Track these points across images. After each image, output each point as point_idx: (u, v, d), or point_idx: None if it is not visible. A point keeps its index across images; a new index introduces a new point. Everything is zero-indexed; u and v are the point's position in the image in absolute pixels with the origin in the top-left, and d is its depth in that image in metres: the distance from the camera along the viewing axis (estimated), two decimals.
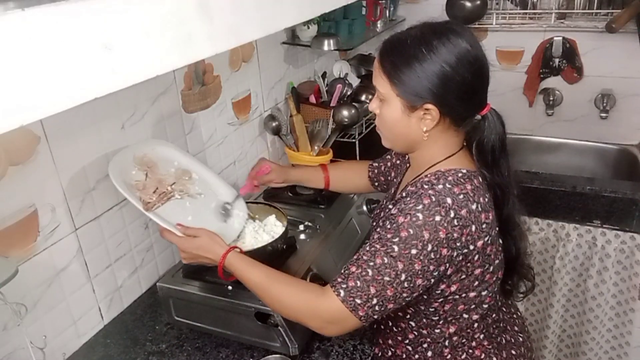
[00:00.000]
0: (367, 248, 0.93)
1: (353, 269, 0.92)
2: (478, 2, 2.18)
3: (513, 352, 1.09)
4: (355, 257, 0.94)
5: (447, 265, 0.91)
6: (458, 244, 0.90)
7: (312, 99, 1.99)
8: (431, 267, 0.89)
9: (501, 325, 1.10)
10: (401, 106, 0.94)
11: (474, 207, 0.91)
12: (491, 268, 0.97)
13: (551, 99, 2.30)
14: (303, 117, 1.91)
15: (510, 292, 1.12)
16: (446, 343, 1.03)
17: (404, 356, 1.08)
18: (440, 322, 1.02)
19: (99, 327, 1.28)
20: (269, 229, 1.27)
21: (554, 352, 2.02)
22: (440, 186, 0.92)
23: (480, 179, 0.97)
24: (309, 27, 1.90)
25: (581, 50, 2.18)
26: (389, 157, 1.32)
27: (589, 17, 2.12)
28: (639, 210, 1.75)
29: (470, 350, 1.04)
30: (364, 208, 1.54)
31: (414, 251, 0.88)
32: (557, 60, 2.25)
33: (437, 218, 0.88)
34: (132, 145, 1.22)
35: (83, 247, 1.19)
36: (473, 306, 1.00)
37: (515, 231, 1.03)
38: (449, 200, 0.89)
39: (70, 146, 1.13)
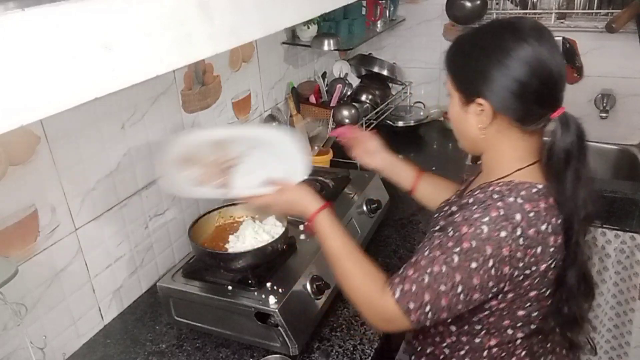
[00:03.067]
0: (427, 252, 0.90)
1: (410, 272, 0.90)
2: (478, 2, 2.18)
3: None
4: (413, 258, 0.92)
5: (507, 283, 0.87)
6: (521, 265, 0.85)
7: (312, 99, 1.99)
8: (490, 284, 0.86)
9: (548, 345, 1.02)
10: (459, 101, 0.95)
11: (543, 227, 0.86)
12: (547, 292, 0.92)
13: None
14: (303, 117, 1.91)
15: (575, 347, 1.02)
16: (484, 354, 0.99)
17: (441, 357, 1.04)
18: (482, 333, 0.97)
19: (99, 327, 1.28)
20: (269, 229, 1.27)
21: None
22: (511, 199, 0.87)
23: (555, 200, 0.89)
24: (309, 27, 1.90)
25: (581, 50, 2.18)
26: None
27: (589, 17, 2.12)
28: (639, 210, 1.75)
29: None
30: (364, 208, 1.54)
31: (474, 265, 0.85)
32: None
33: (503, 234, 0.84)
34: (159, 159, 1.15)
35: (83, 247, 1.19)
36: (520, 324, 0.95)
37: (577, 251, 0.90)
38: (517, 217, 0.85)
39: (70, 146, 1.13)
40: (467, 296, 0.87)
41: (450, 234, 0.88)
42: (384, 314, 0.92)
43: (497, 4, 2.25)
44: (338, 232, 1.01)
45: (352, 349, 1.16)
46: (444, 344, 1.03)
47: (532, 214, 0.86)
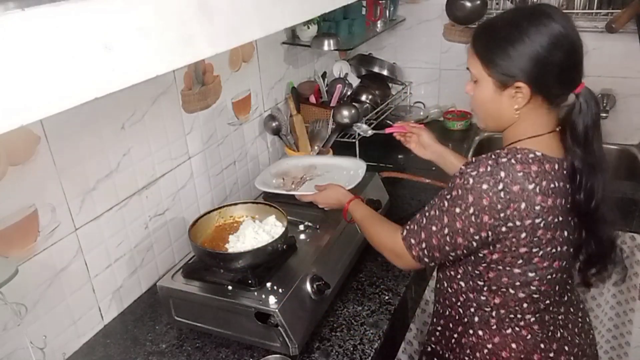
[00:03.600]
0: (432, 200, 1.05)
1: (417, 215, 1.07)
2: (478, 2, 2.18)
3: (567, 348, 1.09)
4: (424, 205, 1.07)
5: (489, 232, 0.96)
6: (502, 215, 0.93)
7: (312, 99, 1.99)
8: (471, 230, 0.96)
9: (560, 318, 1.10)
10: (492, 85, 0.98)
11: (530, 187, 0.93)
12: (540, 252, 0.98)
13: None
14: (303, 117, 1.91)
15: (589, 284, 1.10)
16: (493, 314, 1.07)
17: (457, 317, 1.13)
18: (485, 289, 1.05)
19: (99, 327, 1.28)
20: (269, 229, 1.27)
21: None
22: (504, 160, 0.95)
23: (556, 168, 0.96)
24: (309, 27, 1.90)
25: None
26: None
27: (589, 17, 2.12)
28: (639, 210, 1.75)
29: (517, 328, 1.06)
30: None
31: (457, 210, 0.97)
32: None
33: (484, 187, 0.93)
34: (266, 168, 1.71)
35: (83, 247, 1.19)
36: (518, 283, 1.01)
37: (601, 223, 1.00)
38: (502, 174, 0.93)
39: (70, 146, 1.13)
40: (452, 239, 0.99)
41: (450, 184, 1.00)
42: (395, 250, 1.10)
43: (497, 4, 2.25)
44: (365, 211, 1.26)
45: (352, 349, 1.16)
46: (458, 303, 1.12)
47: (520, 174, 0.93)
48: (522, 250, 0.97)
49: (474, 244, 0.98)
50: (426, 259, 1.05)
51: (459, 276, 1.10)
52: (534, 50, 0.92)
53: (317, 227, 1.39)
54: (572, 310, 1.13)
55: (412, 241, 1.06)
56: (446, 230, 1.00)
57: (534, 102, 0.97)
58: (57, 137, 1.09)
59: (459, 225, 0.97)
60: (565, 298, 1.11)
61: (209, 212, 1.32)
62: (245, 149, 1.75)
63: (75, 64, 0.50)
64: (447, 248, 1.01)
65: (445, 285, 1.15)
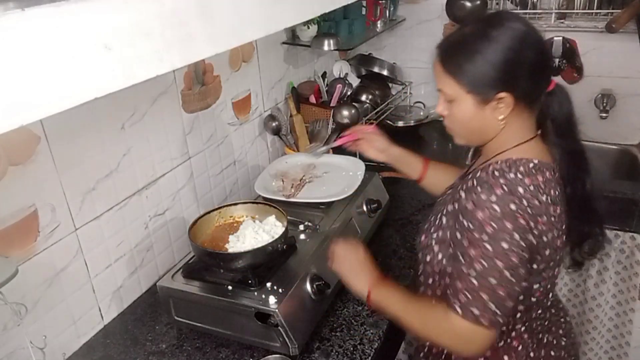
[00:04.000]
0: (461, 257, 0.92)
1: (458, 284, 0.92)
2: (478, 2, 2.18)
3: (552, 353, 1.08)
4: (454, 271, 0.94)
5: (533, 252, 0.92)
6: (537, 232, 0.91)
7: (312, 99, 1.99)
8: (526, 255, 0.90)
9: (546, 324, 1.09)
10: (473, 102, 0.95)
11: (543, 198, 0.92)
12: (551, 264, 0.97)
13: None
14: (303, 117, 1.91)
15: (582, 263, 1.10)
16: None
17: None
18: None
19: (99, 327, 1.28)
20: (269, 229, 1.27)
21: None
22: (512, 175, 0.92)
23: (551, 172, 0.96)
24: (309, 27, 1.90)
25: (581, 50, 2.18)
26: None
27: (589, 17, 2.12)
28: (639, 210, 1.75)
29: (509, 340, 1.04)
30: (364, 208, 1.54)
31: (505, 245, 0.88)
32: (557, 60, 2.24)
33: (513, 207, 0.88)
34: (266, 168, 1.68)
35: (83, 247, 1.19)
36: (521, 297, 0.98)
37: (590, 212, 1.02)
38: (520, 190, 0.90)
39: (70, 146, 1.13)
40: (516, 274, 0.89)
41: (471, 226, 0.91)
42: (462, 336, 0.93)
43: (497, 4, 2.25)
44: (391, 298, 1.05)
45: (352, 349, 1.16)
46: None
47: (532, 187, 0.91)
48: (542, 266, 0.95)
49: (527, 267, 0.92)
50: (501, 319, 0.91)
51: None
52: (507, 55, 0.90)
53: (317, 227, 1.39)
54: (553, 311, 1.12)
55: (476, 312, 0.90)
56: (507, 273, 0.88)
57: (516, 108, 0.95)
58: (57, 137, 1.09)
59: (516, 260, 0.88)
60: (550, 300, 1.09)
61: (209, 212, 1.32)
62: (245, 149, 1.75)
63: (75, 64, 0.50)
64: (516, 288, 0.90)
65: (437, 296, 1.08)
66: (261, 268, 1.20)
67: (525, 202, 0.89)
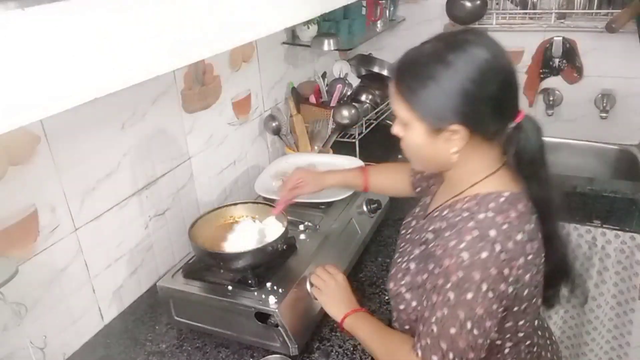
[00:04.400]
0: (426, 302, 0.87)
1: (421, 327, 0.88)
2: (478, 2, 2.18)
3: None
4: (421, 314, 0.90)
5: (508, 299, 0.86)
6: (511, 279, 0.84)
7: (312, 99, 1.99)
8: (494, 307, 0.83)
9: (534, 350, 1.03)
10: (425, 130, 0.87)
11: (519, 237, 0.84)
12: (534, 300, 0.93)
13: (551, 99, 2.30)
14: (303, 117, 1.91)
15: (552, 304, 1.05)
16: None
17: None
18: None
19: (99, 327, 1.28)
20: (269, 229, 1.27)
21: None
22: (482, 216, 0.85)
23: (525, 202, 0.89)
24: (309, 27, 1.90)
25: (581, 50, 2.18)
26: None
27: (589, 17, 2.12)
28: (639, 210, 1.75)
29: None
30: (364, 208, 1.54)
31: (469, 295, 0.82)
32: (557, 60, 2.24)
33: (484, 255, 0.81)
34: (266, 168, 1.69)
35: (83, 247, 1.19)
36: (508, 335, 0.95)
37: (557, 245, 0.96)
38: (492, 233, 0.83)
39: (70, 146, 1.13)
40: (480, 328, 0.83)
41: (437, 271, 0.86)
42: None
43: (497, 4, 2.25)
44: (361, 331, 1.04)
45: (352, 349, 1.16)
46: None
47: (505, 226, 0.84)
48: (523, 306, 0.91)
49: (499, 317, 0.87)
50: None
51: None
52: (464, 86, 0.82)
53: (317, 227, 1.39)
54: (540, 333, 1.07)
55: (435, 358, 0.85)
56: (469, 325, 0.82)
57: (472, 141, 0.87)
58: (57, 137, 1.09)
59: (480, 311, 0.82)
60: (536, 324, 1.04)
61: (209, 212, 1.32)
62: (245, 149, 1.75)
63: (75, 64, 0.50)
64: (479, 341, 0.84)
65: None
66: (261, 268, 1.20)
67: (498, 248, 0.82)
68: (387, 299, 1.31)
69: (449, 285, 0.83)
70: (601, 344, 1.93)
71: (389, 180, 1.33)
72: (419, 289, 0.93)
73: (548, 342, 1.10)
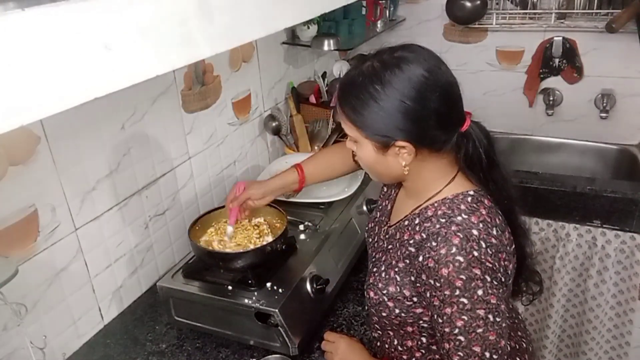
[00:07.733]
0: (441, 320, 0.88)
1: (446, 345, 0.88)
2: (478, 2, 2.18)
3: (518, 359, 1.06)
4: (438, 334, 0.90)
5: (504, 288, 0.89)
6: (502, 270, 0.88)
7: (312, 99, 1.99)
8: (501, 291, 0.87)
9: (510, 342, 1.05)
10: (373, 147, 0.91)
11: (494, 232, 0.88)
12: (510, 285, 0.95)
13: (551, 99, 2.30)
14: (303, 117, 1.91)
15: (518, 294, 1.09)
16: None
17: None
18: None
19: (99, 327, 1.28)
20: (269, 229, 1.27)
21: (554, 352, 2.02)
22: (459, 218, 0.88)
23: (488, 199, 0.93)
24: (309, 27, 1.90)
25: (581, 50, 2.18)
26: None
27: (589, 17, 2.12)
28: (639, 210, 1.75)
29: None
30: (364, 208, 1.54)
31: (480, 292, 0.84)
32: (557, 60, 2.24)
33: (476, 253, 0.85)
34: (265, 168, 1.69)
35: (83, 247, 1.19)
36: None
37: (520, 237, 1.00)
38: (475, 233, 0.86)
39: (70, 146, 1.13)
40: (500, 314, 0.86)
41: (438, 284, 0.87)
42: None
43: (497, 4, 2.25)
44: None
45: None
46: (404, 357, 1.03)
47: (481, 225, 0.87)
48: (506, 294, 0.92)
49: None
50: (501, 359, 0.88)
51: (417, 334, 0.99)
52: (404, 104, 0.84)
53: (317, 227, 1.39)
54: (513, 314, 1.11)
55: None
56: (491, 317, 0.85)
57: (421, 154, 0.90)
58: (57, 137, 1.09)
59: (494, 300, 0.85)
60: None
61: (209, 212, 1.32)
62: (245, 149, 1.75)
63: (75, 64, 0.50)
64: (503, 325, 0.87)
65: (395, 343, 1.04)
66: (261, 268, 1.20)
67: (484, 244, 0.86)
68: None
69: (457, 292, 0.85)
70: (601, 344, 1.93)
71: (329, 166, 1.31)
72: (405, 300, 0.95)
73: (516, 321, 1.12)
